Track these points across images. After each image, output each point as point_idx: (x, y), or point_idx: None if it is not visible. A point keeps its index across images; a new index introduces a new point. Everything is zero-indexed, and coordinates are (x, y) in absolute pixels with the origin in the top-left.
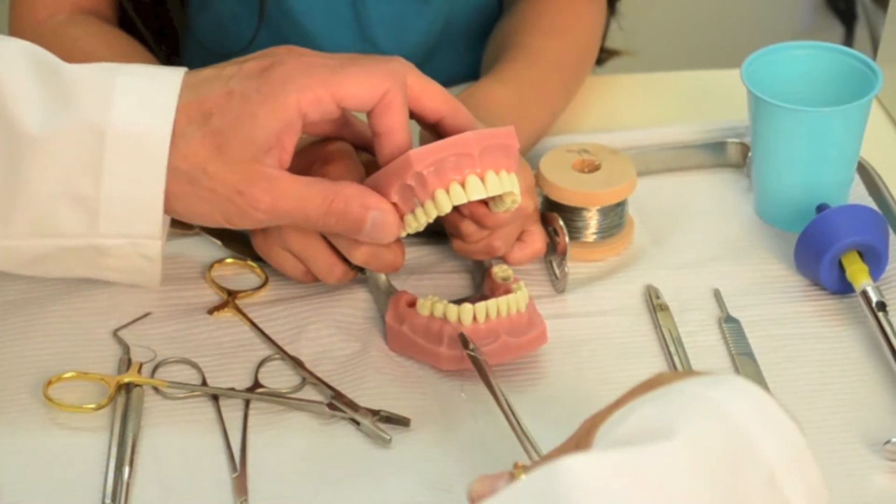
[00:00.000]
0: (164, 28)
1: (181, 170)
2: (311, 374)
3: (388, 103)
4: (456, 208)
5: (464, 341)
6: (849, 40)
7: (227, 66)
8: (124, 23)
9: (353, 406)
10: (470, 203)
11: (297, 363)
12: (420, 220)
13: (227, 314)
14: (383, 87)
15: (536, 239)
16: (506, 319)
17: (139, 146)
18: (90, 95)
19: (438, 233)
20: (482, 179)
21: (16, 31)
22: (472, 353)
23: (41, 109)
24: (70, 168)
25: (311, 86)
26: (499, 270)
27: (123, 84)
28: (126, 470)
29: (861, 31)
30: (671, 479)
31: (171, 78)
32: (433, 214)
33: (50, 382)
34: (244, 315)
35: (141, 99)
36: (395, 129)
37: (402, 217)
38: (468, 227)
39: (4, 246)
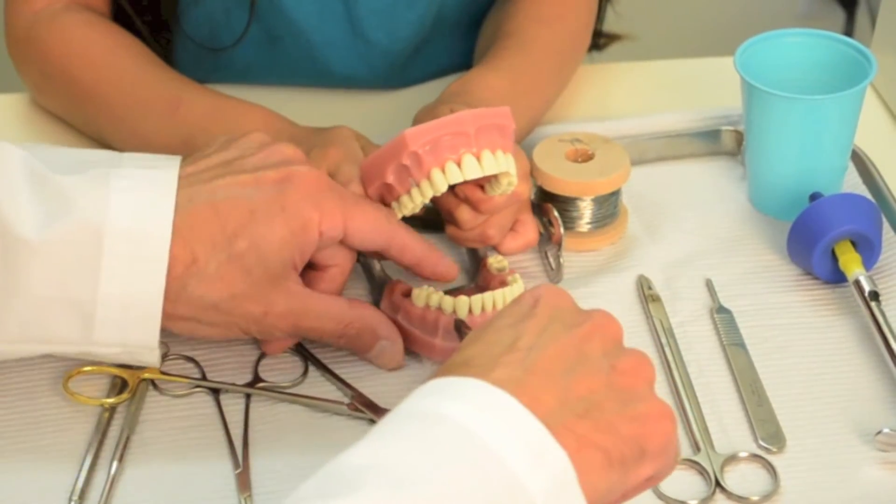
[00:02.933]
0: (157, 23)
1: (206, 298)
2: (335, 374)
3: (403, 244)
4: (452, 192)
5: (459, 328)
6: (850, 26)
7: (232, 164)
8: (118, 18)
9: (374, 407)
10: (466, 186)
11: (322, 366)
12: (416, 201)
13: None
14: (390, 229)
15: (530, 229)
16: None
17: (138, 246)
18: (86, 200)
19: (432, 224)
20: (478, 159)
21: (11, 19)
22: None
23: (37, 215)
24: (67, 270)
25: (332, 211)
26: (494, 262)
27: (118, 188)
28: (114, 465)
29: (862, 17)
30: None
31: (167, 175)
32: (429, 194)
33: (70, 376)
34: None
35: (138, 200)
36: (423, 258)
37: (397, 198)
38: (463, 213)
39: None
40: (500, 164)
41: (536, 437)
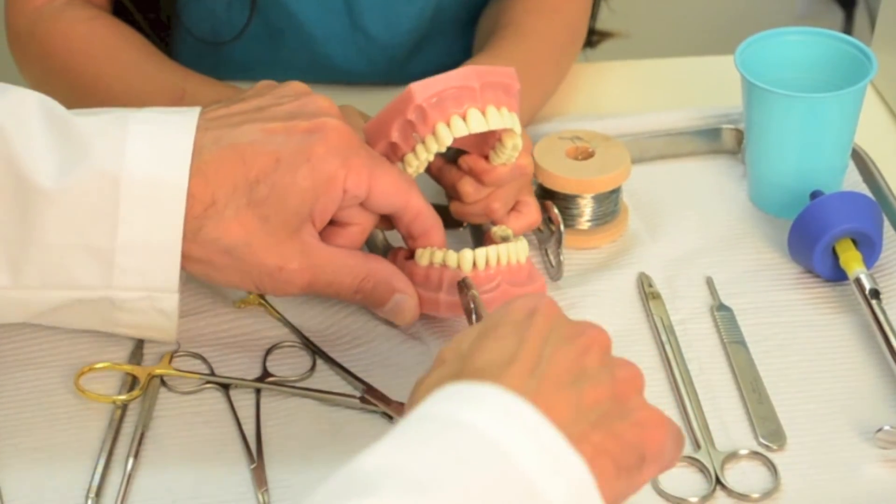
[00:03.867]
0: (157, 19)
1: (220, 242)
2: (343, 367)
3: (418, 211)
4: (455, 165)
5: (463, 286)
6: (848, 25)
7: (265, 111)
8: (119, 14)
9: (386, 400)
10: (470, 157)
11: (330, 359)
12: (421, 158)
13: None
14: (409, 193)
15: (532, 210)
16: (505, 268)
17: (155, 193)
18: (103, 146)
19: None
20: (483, 114)
21: (13, 15)
22: (472, 296)
23: (54, 162)
24: (84, 219)
25: (359, 169)
26: (498, 230)
27: (136, 132)
28: (129, 462)
29: (860, 16)
30: None
31: (185, 122)
32: (433, 150)
33: (81, 373)
34: (269, 306)
35: (155, 146)
36: (431, 228)
37: (402, 158)
38: (466, 185)
39: (15, 297)
40: (506, 120)
41: (553, 445)
